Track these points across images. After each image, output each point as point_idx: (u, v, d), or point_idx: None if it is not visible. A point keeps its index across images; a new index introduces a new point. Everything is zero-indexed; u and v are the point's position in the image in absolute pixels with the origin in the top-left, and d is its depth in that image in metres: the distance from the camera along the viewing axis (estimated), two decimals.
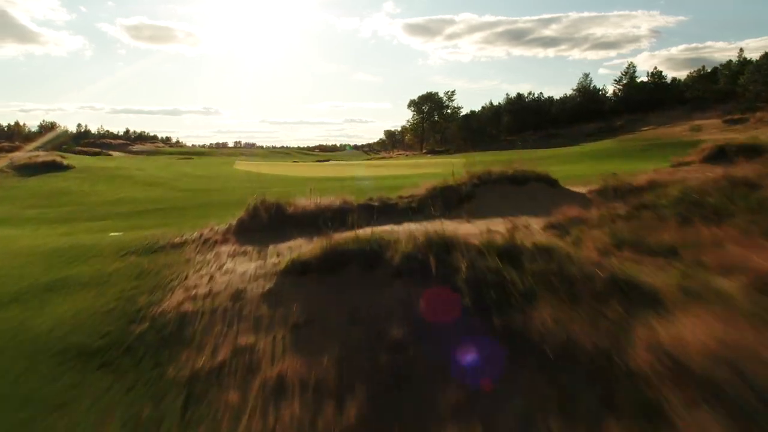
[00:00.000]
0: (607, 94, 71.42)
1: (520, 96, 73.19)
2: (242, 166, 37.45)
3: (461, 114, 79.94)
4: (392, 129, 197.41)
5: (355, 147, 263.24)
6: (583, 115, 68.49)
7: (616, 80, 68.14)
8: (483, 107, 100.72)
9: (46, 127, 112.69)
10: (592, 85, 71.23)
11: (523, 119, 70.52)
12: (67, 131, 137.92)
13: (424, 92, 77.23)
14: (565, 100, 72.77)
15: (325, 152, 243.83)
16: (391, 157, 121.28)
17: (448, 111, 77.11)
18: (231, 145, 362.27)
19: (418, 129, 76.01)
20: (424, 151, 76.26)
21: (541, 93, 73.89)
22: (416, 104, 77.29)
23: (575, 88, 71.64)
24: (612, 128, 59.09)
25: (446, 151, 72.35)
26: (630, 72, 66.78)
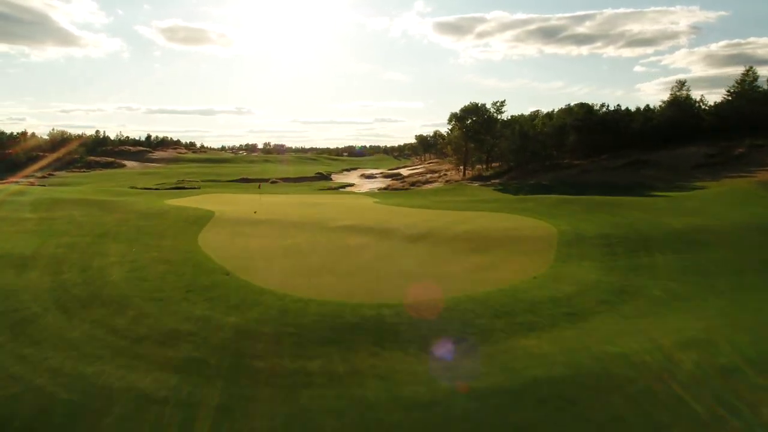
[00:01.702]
0: (706, 107, 54.34)
1: (590, 109, 57.05)
2: (215, 237, 24.02)
3: (514, 129, 64.28)
4: (425, 134, 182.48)
5: (385, 151, 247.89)
6: (673, 134, 52.10)
7: (729, 90, 51.23)
8: (539, 119, 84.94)
9: (56, 137, 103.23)
10: (686, 96, 54.40)
11: (593, 138, 54.65)
12: (89, 138, 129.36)
13: (468, 102, 61.77)
14: (649, 114, 56.14)
15: (352, 156, 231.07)
16: (423, 171, 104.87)
17: (496, 124, 61.47)
18: (260, 146, 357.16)
19: (460, 148, 61.04)
20: (467, 175, 61.15)
21: (618, 106, 57.86)
22: (458, 118, 62.03)
23: (666, 99, 54.98)
24: (731, 157, 42.68)
25: (496, 176, 57.22)
26: (749, 79, 49.67)
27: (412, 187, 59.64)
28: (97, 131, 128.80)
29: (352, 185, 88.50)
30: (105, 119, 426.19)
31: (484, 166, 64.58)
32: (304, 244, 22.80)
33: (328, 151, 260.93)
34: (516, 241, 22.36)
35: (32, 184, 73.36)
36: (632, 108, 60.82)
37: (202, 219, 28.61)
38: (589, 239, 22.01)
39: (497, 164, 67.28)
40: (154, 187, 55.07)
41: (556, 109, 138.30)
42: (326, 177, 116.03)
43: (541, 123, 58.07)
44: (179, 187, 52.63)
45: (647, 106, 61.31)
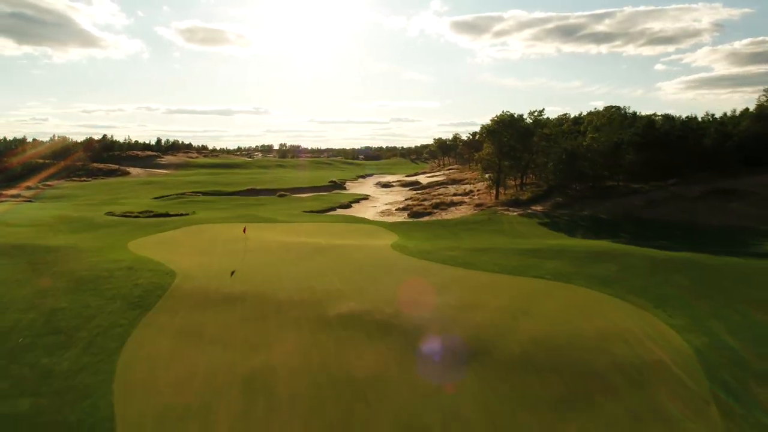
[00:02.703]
0: None
1: (651, 122, 46.81)
2: (153, 344, 15.49)
3: (549, 141, 54.36)
4: (443, 137, 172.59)
5: (402, 154, 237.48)
6: (759, 153, 41.80)
7: None
8: (567, 123, 74.84)
9: (56, 145, 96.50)
10: None
11: (655, 157, 44.60)
12: (95, 143, 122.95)
13: (502, 112, 51.66)
14: (725, 129, 45.61)
15: (369, 159, 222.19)
16: (444, 180, 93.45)
17: (532, 137, 51.45)
18: (276, 147, 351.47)
19: (493, 166, 50.94)
20: (500, 197, 51.41)
21: (690, 116, 47.47)
22: (491, 132, 52.05)
23: (753, 109, 44.49)
24: None
25: (536, 200, 47.51)
26: None
27: (436, 211, 50.38)
28: (105, 136, 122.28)
29: (366, 198, 79.66)
30: (125, 119, 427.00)
31: (518, 183, 54.78)
32: (281, 373, 13.86)
33: (344, 153, 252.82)
34: (634, 380, 13.01)
35: (20, 201, 66.47)
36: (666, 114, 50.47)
37: (154, 292, 19.98)
38: (762, 378, 12.64)
39: (531, 178, 57.48)
40: (138, 211, 46.79)
41: (584, 113, 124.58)
42: (340, 186, 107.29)
43: (589, 138, 48.00)
44: (163, 214, 43.94)
45: (712, 116, 50.77)
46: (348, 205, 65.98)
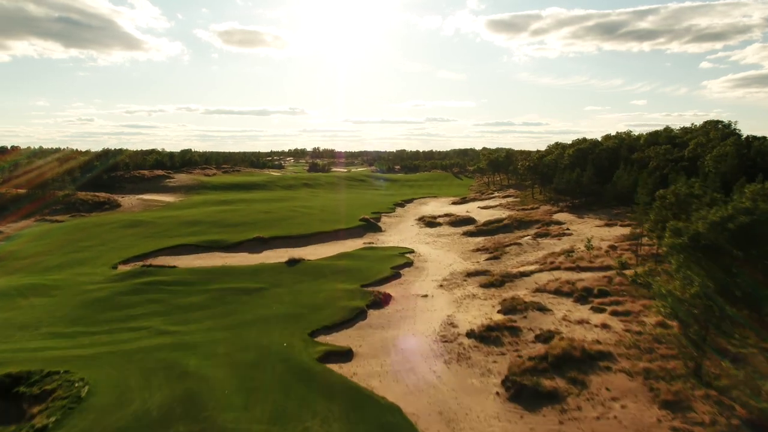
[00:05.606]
0: None
1: None
2: None
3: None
4: (494, 154, 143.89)
5: (442, 166, 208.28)
6: None
7: None
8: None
9: (34, 175, 75.46)
10: None
11: None
12: (93, 156, 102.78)
13: (729, 206, 23.09)
14: None
15: (405, 169, 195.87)
16: (508, 221, 62.30)
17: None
18: (310, 150, 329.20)
19: (697, 316, 22.55)
20: (702, 372, 23.96)
21: None
22: (709, 252, 22.33)
23: None
24: None
25: None
26: None
27: (564, 387, 24.20)
28: (107, 153, 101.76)
29: (410, 262, 54.11)
30: (166, 119, 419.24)
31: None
32: None
33: (378, 163, 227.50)
34: None
35: None
36: None
37: None
38: None
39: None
40: (5, 374, 23.09)
41: (674, 127, 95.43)
42: (374, 225, 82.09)
43: None
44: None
45: None
46: (386, 300, 40.70)
